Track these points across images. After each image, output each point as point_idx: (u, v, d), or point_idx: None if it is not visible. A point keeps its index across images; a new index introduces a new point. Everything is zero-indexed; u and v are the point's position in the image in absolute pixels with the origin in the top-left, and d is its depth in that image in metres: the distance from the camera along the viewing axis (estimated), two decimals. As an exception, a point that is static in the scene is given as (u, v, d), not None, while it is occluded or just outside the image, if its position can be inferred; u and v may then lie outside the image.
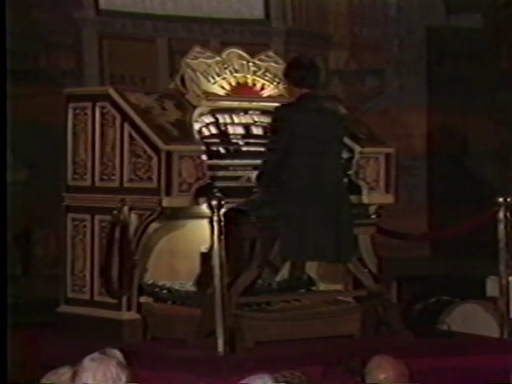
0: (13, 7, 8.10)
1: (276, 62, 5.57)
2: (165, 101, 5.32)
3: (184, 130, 5.22)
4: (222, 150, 5.32)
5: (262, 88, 5.54)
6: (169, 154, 5.08)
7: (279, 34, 9.24)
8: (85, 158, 5.45)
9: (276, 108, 5.20)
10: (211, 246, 4.84)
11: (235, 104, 5.47)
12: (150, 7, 8.78)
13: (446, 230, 7.38)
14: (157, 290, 5.24)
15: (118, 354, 2.97)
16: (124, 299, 5.21)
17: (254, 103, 5.50)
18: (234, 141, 5.37)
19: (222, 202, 4.85)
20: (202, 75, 5.40)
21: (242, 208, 5.02)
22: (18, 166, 7.99)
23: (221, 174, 5.23)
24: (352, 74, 9.59)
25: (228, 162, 5.29)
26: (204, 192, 5.08)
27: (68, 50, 8.54)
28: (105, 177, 5.37)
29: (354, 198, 5.41)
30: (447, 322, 5.78)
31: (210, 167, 5.18)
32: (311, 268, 5.47)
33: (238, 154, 5.33)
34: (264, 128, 5.41)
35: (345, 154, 5.41)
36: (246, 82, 5.52)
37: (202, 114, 5.33)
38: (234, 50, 5.59)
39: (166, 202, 5.09)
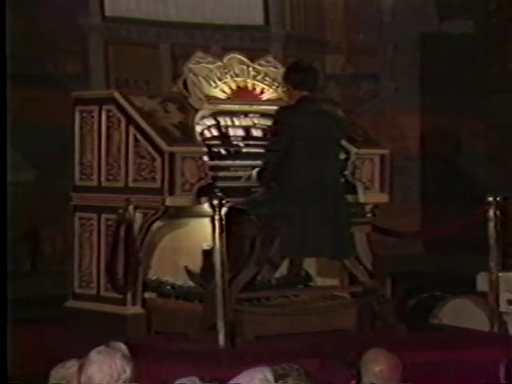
0: (22, 14, 8.12)
1: (275, 67, 5.58)
2: (168, 104, 5.33)
3: (186, 132, 5.23)
4: (223, 152, 5.32)
5: (262, 92, 5.55)
6: (172, 155, 5.09)
7: (278, 39, 9.24)
8: (91, 159, 5.46)
9: (276, 110, 5.20)
10: (213, 244, 4.85)
11: (236, 107, 5.47)
12: (154, 14, 8.78)
13: (439, 229, 7.41)
14: (160, 285, 5.25)
15: (123, 347, 2.98)
16: (129, 295, 5.22)
17: (254, 106, 5.51)
18: (235, 142, 5.37)
19: (223, 202, 4.86)
20: (204, 79, 5.40)
21: (242, 207, 5.03)
22: (26, 167, 7.99)
23: (222, 174, 5.24)
24: (348, 78, 9.59)
25: (229, 162, 5.30)
26: (206, 192, 5.09)
27: (75, 55, 8.54)
28: (110, 177, 5.37)
29: (350, 198, 5.41)
30: (439, 317, 5.79)
31: (212, 168, 5.19)
32: (309, 264, 5.47)
33: (238, 155, 5.34)
34: (263, 130, 5.41)
35: (341, 155, 5.42)
36: (246, 86, 5.53)
37: (203, 117, 5.34)
38: (235, 55, 5.60)
39: (169, 201, 5.10)
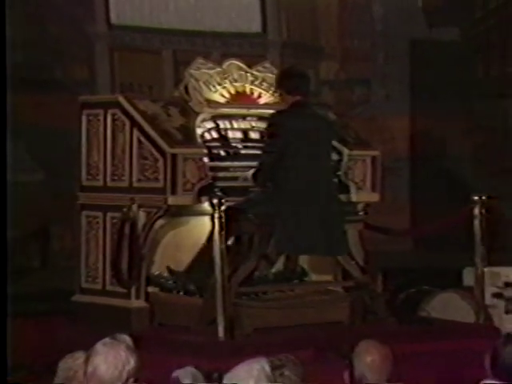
0: (31, 23, 8.11)
1: (272, 73, 5.57)
2: (170, 108, 5.32)
3: (188, 135, 5.22)
4: (222, 153, 5.32)
5: (259, 96, 5.55)
6: (174, 157, 5.08)
7: (275, 46, 9.23)
8: (97, 160, 5.45)
9: (271, 114, 5.20)
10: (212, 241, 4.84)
11: (234, 111, 5.46)
12: (157, 22, 8.77)
13: (427, 226, 7.40)
14: (163, 280, 5.24)
15: (127, 339, 2.97)
16: (133, 289, 5.21)
17: (252, 110, 5.50)
18: (234, 144, 5.37)
19: (223, 201, 4.85)
20: (204, 84, 5.39)
21: (240, 206, 5.02)
22: (35, 168, 7.98)
23: (221, 174, 5.23)
24: (341, 83, 9.58)
25: (228, 163, 5.29)
26: (206, 191, 5.08)
27: (82, 61, 8.53)
28: (115, 177, 5.37)
29: (343, 197, 5.41)
30: (427, 310, 5.78)
31: (212, 168, 5.19)
32: (304, 260, 5.47)
33: (237, 156, 5.33)
34: (261, 133, 5.40)
35: (334, 157, 5.41)
36: (245, 91, 5.52)
37: (204, 120, 5.33)
38: (234, 61, 5.59)
39: (171, 200, 5.10)
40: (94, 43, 8.64)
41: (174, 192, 5.08)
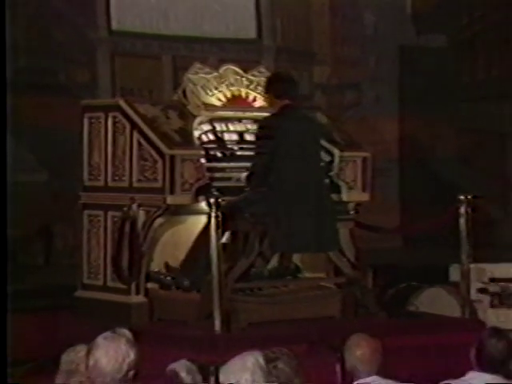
0: (34, 28, 8.09)
1: (266, 77, 5.57)
2: (169, 111, 5.31)
3: (186, 137, 5.21)
4: (219, 154, 5.32)
5: (254, 100, 5.54)
6: (172, 158, 5.08)
7: (270, 52, 9.22)
8: (99, 161, 5.44)
9: (264, 118, 5.20)
10: (210, 238, 4.84)
11: (230, 114, 5.46)
12: (157, 28, 8.76)
13: (416, 225, 7.41)
14: (162, 277, 5.23)
15: (127, 333, 2.96)
16: (133, 285, 5.21)
17: (247, 113, 5.50)
18: (230, 146, 5.36)
19: (219, 200, 4.85)
20: (202, 88, 5.39)
21: (236, 205, 5.01)
22: (39, 169, 7.96)
23: (218, 175, 5.23)
24: (333, 87, 9.58)
25: (224, 164, 5.29)
26: (203, 191, 5.08)
27: (84, 66, 8.52)
28: (116, 178, 5.36)
29: (334, 197, 5.41)
30: (416, 304, 5.78)
31: (209, 169, 5.18)
32: (297, 258, 5.46)
33: (233, 157, 5.33)
34: (256, 135, 5.40)
35: (326, 158, 5.41)
36: (240, 95, 5.52)
37: (201, 123, 5.33)
38: (230, 66, 5.59)
39: (169, 199, 5.09)
40: (95, 48, 8.62)
41: (172, 192, 5.08)
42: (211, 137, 5.34)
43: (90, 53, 8.56)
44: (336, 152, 5.47)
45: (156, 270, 5.24)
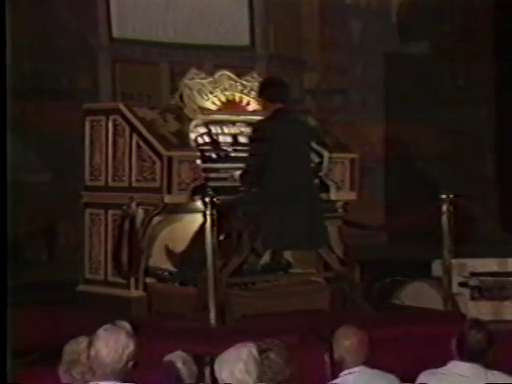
0: (38, 36, 8.06)
1: (259, 82, 5.56)
2: (166, 114, 5.30)
3: (182, 139, 5.20)
4: (214, 156, 5.30)
5: (248, 104, 5.53)
6: (170, 159, 5.06)
7: (262, 58, 9.22)
8: (99, 162, 5.43)
9: (258, 121, 5.19)
10: (204, 236, 4.83)
11: (225, 117, 5.45)
12: (155, 36, 8.74)
13: (400, 222, 7.41)
14: (160, 272, 5.22)
15: (127, 325, 2.95)
16: (132, 280, 5.19)
17: (241, 116, 5.48)
18: (224, 148, 5.35)
19: (214, 199, 4.84)
20: (198, 93, 5.38)
21: (230, 204, 5.00)
22: (43, 170, 7.94)
23: (213, 175, 5.22)
24: (322, 92, 9.59)
25: (219, 165, 5.28)
26: (199, 190, 5.07)
27: (86, 71, 8.49)
28: (116, 178, 5.34)
29: (324, 196, 5.41)
30: (401, 298, 5.78)
31: (204, 170, 5.17)
32: (289, 254, 5.46)
33: (227, 158, 5.32)
34: (249, 137, 5.39)
35: (316, 159, 5.41)
36: (234, 99, 5.51)
37: (197, 126, 5.32)
38: (225, 72, 5.58)
39: (167, 198, 5.08)
40: (97, 55, 8.60)
41: (169, 191, 5.07)
42: (207, 139, 5.32)
43: (92, 59, 8.54)
44: (325, 153, 5.47)
45: (154, 265, 5.23)
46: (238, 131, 5.44)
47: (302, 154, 5.16)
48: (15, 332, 3.39)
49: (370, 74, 9.66)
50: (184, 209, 5.21)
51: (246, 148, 5.31)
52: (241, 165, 5.18)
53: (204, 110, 5.36)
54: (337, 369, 3.63)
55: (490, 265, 5.97)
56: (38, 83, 8.00)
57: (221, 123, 5.41)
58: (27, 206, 7.08)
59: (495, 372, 3.46)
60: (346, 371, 3.56)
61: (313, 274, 5.47)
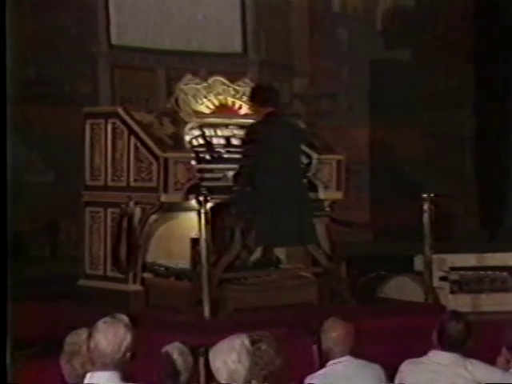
0: (42, 43, 8.05)
1: (251, 87, 5.56)
2: (163, 118, 5.30)
3: (178, 141, 5.20)
4: (207, 157, 5.30)
5: (240, 108, 5.54)
6: (166, 160, 5.06)
7: (254, 64, 9.21)
8: (99, 163, 5.42)
9: (250, 124, 5.19)
10: (199, 233, 4.82)
11: (218, 120, 5.45)
12: (152, 43, 8.74)
13: (384, 220, 7.42)
14: (156, 267, 5.22)
15: (125, 318, 2.95)
16: (130, 275, 5.19)
17: (234, 120, 5.49)
18: (218, 149, 5.35)
19: (208, 198, 4.84)
20: (192, 97, 5.38)
21: (224, 203, 5.00)
22: (46, 170, 7.93)
23: (207, 175, 5.22)
24: (311, 96, 9.59)
25: (213, 166, 5.28)
26: (194, 190, 5.06)
27: (87, 77, 8.48)
28: (115, 178, 5.34)
29: (312, 195, 5.41)
30: (385, 292, 5.80)
31: (199, 170, 5.17)
32: (279, 250, 5.46)
33: (220, 160, 5.32)
34: (241, 139, 5.39)
35: (305, 160, 5.42)
36: (227, 103, 5.51)
37: (192, 128, 5.31)
38: (218, 77, 5.58)
39: (163, 197, 5.08)
40: (97, 62, 8.59)
41: (166, 191, 5.06)
42: (201, 141, 5.33)
43: (92, 65, 8.53)
44: (313, 155, 5.48)
45: (151, 261, 5.23)
46: (230, 134, 5.44)
47: (292, 155, 5.17)
48: (19, 324, 3.38)
49: (356, 80, 9.67)
50: (179, 207, 5.21)
51: (238, 150, 5.31)
52: (233, 165, 5.19)
53: (198, 114, 5.36)
54: (324, 359, 3.64)
55: (469, 260, 5.99)
56: (41, 89, 7.99)
57: (214, 126, 5.41)
58: (31, 205, 7.08)
59: (473, 360, 3.48)
60: (332, 361, 3.57)
61: (302, 269, 5.47)
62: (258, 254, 5.35)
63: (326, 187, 5.53)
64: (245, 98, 5.50)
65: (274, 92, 5.24)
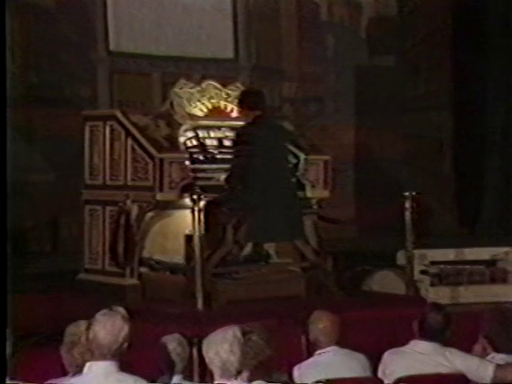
0: (43, 49, 8.01)
1: (240, 93, 5.55)
2: (158, 120, 5.29)
3: (172, 142, 5.19)
4: (201, 158, 5.29)
5: (232, 111, 5.53)
6: (161, 160, 5.05)
7: (245, 69, 9.21)
8: (98, 163, 5.40)
9: (240, 126, 5.19)
10: (193, 230, 4.82)
11: (211, 123, 5.45)
12: (148, 49, 8.72)
13: (369, 217, 7.44)
14: (152, 262, 5.21)
15: (122, 310, 2.94)
16: (128, 269, 5.18)
17: (226, 122, 5.48)
18: (211, 150, 5.34)
19: (201, 197, 4.83)
20: (186, 101, 5.37)
21: (216, 201, 5.00)
22: (47, 170, 7.90)
23: (200, 175, 5.21)
24: (299, 100, 9.59)
25: (206, 166, 5.27)
26: (188, 189, 5.06)
27: (86, 82, 8.45)
28: (113, 177, 5.32)
29: (300, 194, 5.41)
30: (369, 285, 5.81)
31: (193, 170, 5.16)
32: (269, 245, 5.46)
33: (213, 160, 5.31)
34: (233, 141, 5.39)
35: (293, 160, 5.42)
36: (220, 106, 5.51)
37: (186, 130, 5.31)
38: (211, 82, 5.57)
39: (159, 196, 5.07)
40: (96, 67, 8.56)
41: (161, 189, 5.06)
42: (195, 142, 5.32)
43: (91, 71, 8.51)
44: (301, 155, 5.48)
45: (147, 256, 5.21)
46: (223, 135, 5.44)
47: (281, 155, 5.17)
48: (21, 316, 3.36)
49: (342, 84, 9.68)
50: (174, 205, 5.20)
51: (230, 150, 5.30)
52: (226, 166, 5.18)
53: (192, 117, 5.35)
54: (311, 349, 3.64)
55: (448, 254, 6.01)
56: (43, 93, 7.97)
57: (207, 128, 5.40)
58: (33, 203, 7.04)
59: (452, 349, 3.49)
60: (319, 351, 3.57)
61: (290, 263, 5.48)
62: (248, 249, 5.35)
63: (314, 186, 5.53)
64: (236, 102, 5.49)
65: (261, 96, 5.24)
